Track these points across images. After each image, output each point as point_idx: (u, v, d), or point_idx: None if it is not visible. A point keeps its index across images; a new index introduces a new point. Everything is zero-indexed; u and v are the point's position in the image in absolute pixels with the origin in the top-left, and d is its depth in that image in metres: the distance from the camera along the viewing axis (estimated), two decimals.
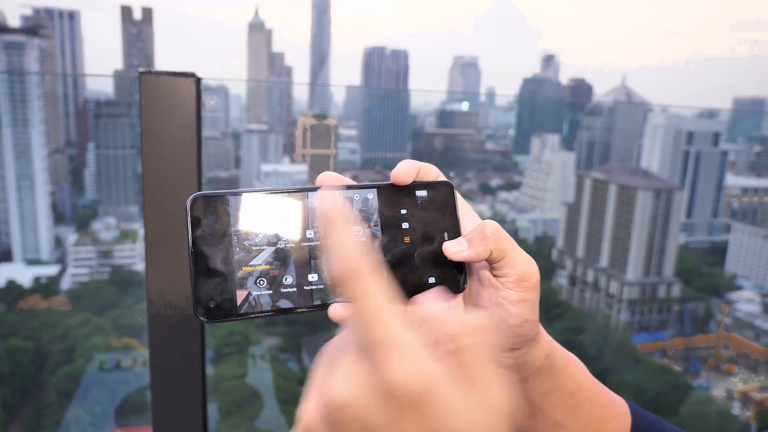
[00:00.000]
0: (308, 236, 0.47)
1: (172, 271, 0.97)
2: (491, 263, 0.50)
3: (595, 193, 41.88)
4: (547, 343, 0.54)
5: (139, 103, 0.91)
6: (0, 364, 19.21)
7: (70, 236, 39.91)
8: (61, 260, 37.87)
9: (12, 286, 26.53)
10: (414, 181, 0.52)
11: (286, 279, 0.46)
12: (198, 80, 0.96)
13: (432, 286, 0.50)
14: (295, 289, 0.46)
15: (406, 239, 0.50)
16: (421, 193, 0.51)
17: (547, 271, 39.78)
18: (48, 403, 19.00)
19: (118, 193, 45.76)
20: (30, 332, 20.48)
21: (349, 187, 0.50)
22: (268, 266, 0.46)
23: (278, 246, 0.46)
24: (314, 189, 0.49)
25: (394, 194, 0.51)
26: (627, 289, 37.16)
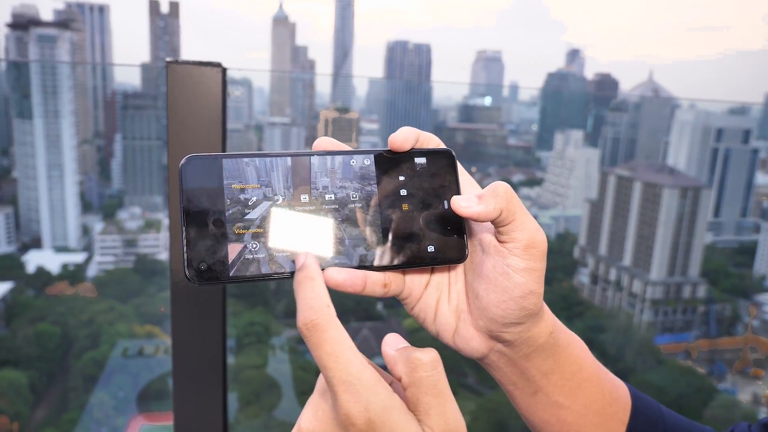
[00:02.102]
0: (303, 199, 0.46)
1: None
2: (498, 226, 0.47)
3: (619, 190, 41.18)
4: (551, 320, 0.53)
5: (166, 92, 0.92)
6: (28, 347, 19.76)
7: (97, 225, 40.78)
8: (88, 248, 38.71)
9: (41, 272, 27.25)
10: (413, 149, 0.50)
11: (281, 244, 0.45)
12: (224, 70, 0.97)
13: (431, 254, 0.49)
14: (289, 254, 0.45)
15: (405, 206, 0.49)
16: (420, 161, 0.50)
17: (569, 268, 39.31)
18: (73, 387, 19.50)
19: (143, 184, 46.53)
20: (57, 317, 21.01)
21: (345, 153, 0.49)
22: (261, 229, 0.45)
23: (274, 207, 0.45)
24: (311, 154, 0.48)
25: (392, 161, 0.50)
26: (651, 288, 36.53)
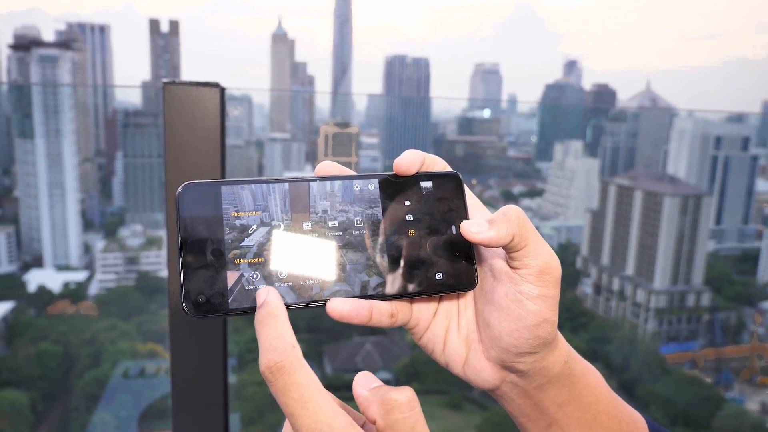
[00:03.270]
0: (304, 225, 0.45)
1: None
2: (510, 252, 0.46)
3: (620, 199, 41.17)
4: (565, 348, 0.51)
5: (163, 113, 0.92)
6: (30, 367, 19.65)
7: (98, 243, 40.76)
8: (90, 266, 38.66)
9: (42, 291, 27.18)
10: (418, 172, 0.49)
11: (281, 273, 0.44)
12: (222, 90, 0.96)
13: (439, 281, 0.47)
14: (291, 284, 0.44)
15: (411, 232, 0.48)
16: (426, 185, 0.49)
17: (572, 279, 39.17)
18: (75, 406, 19.34)
19: (144, 201, 46.61)
20: (59, 336, 20.91)
21: (349, 177, 0.48)
22: (261, 258, 0.43)
23: (272, 234, 0.44)
24: (313, 179, 0.47)
25: (397, 185, 0.49)
26: (654, 297, 36.33)
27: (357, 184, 0.48)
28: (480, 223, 0.45)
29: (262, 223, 0.44)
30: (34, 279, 31.12)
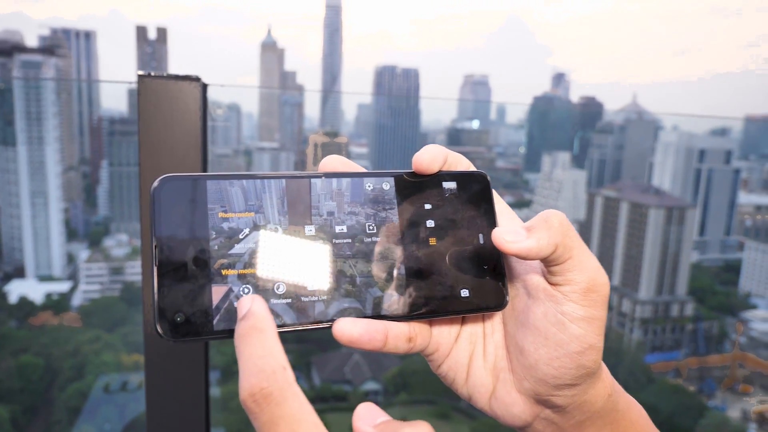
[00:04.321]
0: (308, 231, 0.39)
1: None
2: (551, 265, 0.39)
3: (606, 210, 41.59)
4: (609, 379, 0.44)
5: (138, 110, 0.83)
6: (10, 381, 19.28)
7: (82, 253, 40.23)
8: (73, 277, 38.13)
9: (24, 303, 26.71)
10: (440, 171, 0.43)
11: (278, 287, 0.37)
12: (204, 86, 0.88)
13: (465, 300, 0.41)
14: (289, 300, 0.37)
15: (432, 240, 0.41)
16: (450, 185, 0.43)
17: None
18: (57, 420, 19.00)
19: (130, 210, 46.16)
20: (41, 348, 20.56)
21: (359, 175, 0.42)
22: (254, 270, 0.37)
23: (267, 239, 0.38)
24: (317, 176, 0.41)
25: (417, 185, 0.42)
26: (639, 307, 36.66)
27: (369, 183, 0.42)
28: (516, 230, 0.39)
29: (255, 227, 0.38)
30: (15, 290, 30.57)
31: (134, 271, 36.66)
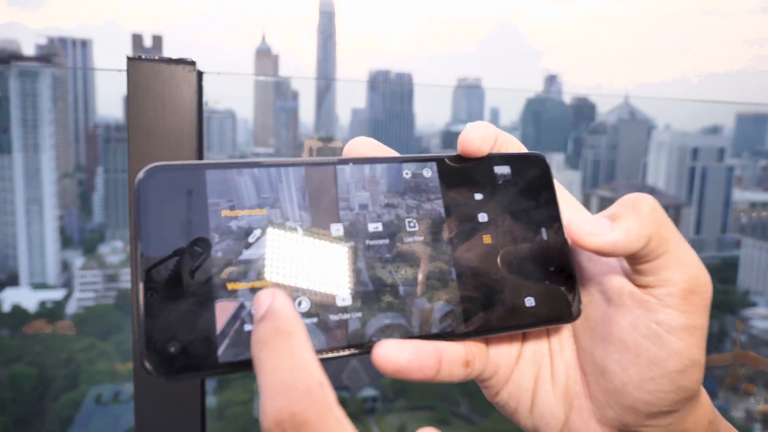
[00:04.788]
0: (335, 231, 0.32)
1: None
2: (640, 262, 0.31)
3: (602, 211, 41.76)
4: (709, 402, 0.36)
5: (127, 96, 0.77)
6: (2, 391, 19.05)
7: (77, 260, 40.02)
8: (68, 284, 37.90)
9: (17, 311, 26.50)
10: (491, 153, 0.36)
11: (300, 303, 0.30)
12: (200, 73, 0.81)
13: (530, 310, 0.34)
14: (315, 319, 0.30)
15: (486, 238, 0.34)
16: (502, 171, 0.36)
17: None
18: (49, 431, 18.77)
19: (125, 217, 45.97)
20: (33, 357, 20.35)
21: (393, 160, 0.35)
22: (270, 282, 0.30)
23: (285, 241, 0.31)
24: (344, 162, 0.34)
25: (463, 171, 0.35)
26: None
27: (406, 170, 0.35)
28: (597, 220, 0.31)
29: (270, 226, 0.31)
30: (8, 298, 30.38)
31: (129, 279, 36.41)
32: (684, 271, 0.31)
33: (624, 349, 0.32)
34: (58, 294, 34.86)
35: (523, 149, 0.37)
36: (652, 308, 0.31)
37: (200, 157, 0.80)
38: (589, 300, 0.35)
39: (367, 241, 0.32)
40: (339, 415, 0.22)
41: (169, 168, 0.29)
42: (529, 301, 0.34)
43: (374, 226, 0.33)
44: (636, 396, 0.32)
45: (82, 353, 20.58)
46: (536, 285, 0.34)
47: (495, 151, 0.36)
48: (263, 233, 0.30)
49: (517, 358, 0.36)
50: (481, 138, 0.35)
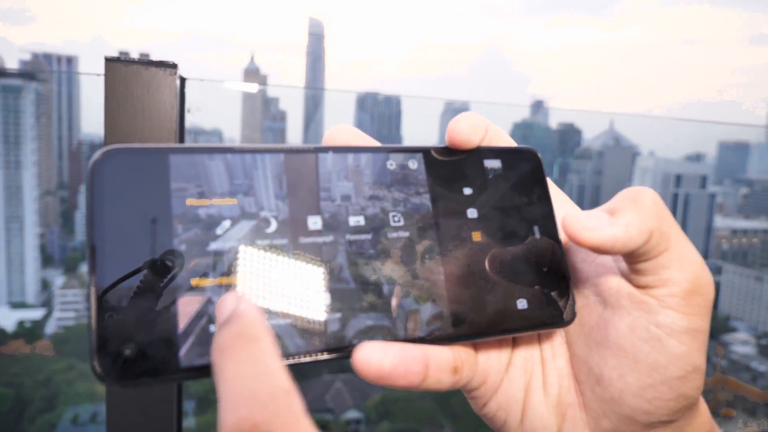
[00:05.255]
0: (313, 224, 0.29)
1: None
2: (640, 260, 0.29)
3: None
4: (707, 413, 0.34)
5: (104, 99, 0.74)
6: None
7: (58, 279, 39.33)
8: (48, 303, 37.18)
9: None
10: (480, 146, 0.34)
11: (274, 301, 0.27)
12: (182, 79, 0.79)
13: (522, 313, 0.32)
14: (291, 319, 0.27)
15: (476, 236, 0.32)
16: (492, 165, 0.34)
17: None
18: None
19: None
20: (11, 378, 19.87)
21: (377, 150, 0.32)
22: (236, 276, 0.27)
23: (258, 234, 0.28)
24: (323, 150, 0.31)
25: (452, 165, 0.33)
26: None
27: (392, 161, 0.32)
28: (596, 215, 0.29)
29: (243, 216, 0.28)
30: None
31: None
32: (686, 270, 0.29)
33: (621, 355, 0.30)
34: (37, 313, 34.17)
35: (513, 143, 0.35)
36: (652, 310, 0.29)
37: None
38: (585, 303, 0.33)
39: (349, 236, 0.30)
40: (306, 425, 0.20)
41: (129, 151, 0.26)
42: (521, 304, 0.32)
43: (356, 219, 0.30)
44: (634, 405, 0.30)
45: (61, 374, 20.14)
46: (528, 286, 0.32)
47: (486, 143, 0.34)
48: (234, 224, 0.27)
49: (507, 366, 0.34)
50: (470, 128, 0.33)
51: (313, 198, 0.29)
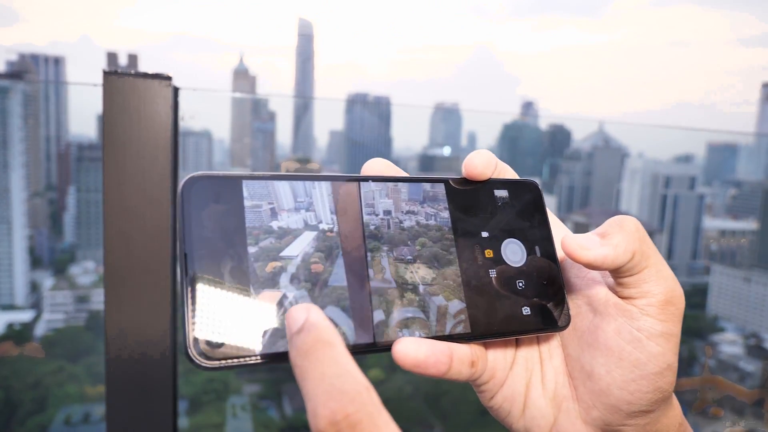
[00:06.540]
0: (360, 236, 0.35)
1: (137, 309, 0.85)
2: (624, 275, 0.36)
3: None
4: (678, 406, 0.40)
5: (102, 111, 0.77)
6: None
7: (47, 281, 38.97)
8: (37, 305, 36.84)
9: None
10: (491, 178, 0.41)
11: (337, 297, 0.33)
12: (176, 89, 0.83)
13: (527, 318, 0.38)
14: (349, 313, 0.32)
15: (489, 252, 0.38)
16: (501, 194, 0.40)
17: None
18: None
19: (97, 237, 45.08)
20: (0, 381, 19.69)
21: (407, 180, 0.38)
22: (306, 278, 0.32)
23: (324, 246, 0.33)
24: (364, 179, 0.37)
25: (468, 193, 0.39)
26: None
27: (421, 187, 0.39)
28: (589, 237, 0.35)
29: (306, 228, 0.33)
30: None
31: (100, 300, 35.42)
32: (662, 284, 0.35)
33: (609, 354, 0.36)
34: (26, 315, 33.88)
35: (516, 176, 0.42)
36: (634, 317, 0.35)
37: (176, 169, 0.81)
38: (577, 311, 0.39)
39: (391, 243, 0.35)
40: (387, 417, 0.24)
41: (210, 177, 0.32)
42: (525, 311, 0.37)
43: (397, 230, 0.36)
44: (619, 396, 0.36)
45: (51, 376, 20.00)
46: (531, 297, 0.38)
47: (496, 176, 0.41)
48: (300, 233, 0.32)
49: (512, 364, 0.40)
50: (484, 164, 0.39)
51: (361, 212, 0.35)
